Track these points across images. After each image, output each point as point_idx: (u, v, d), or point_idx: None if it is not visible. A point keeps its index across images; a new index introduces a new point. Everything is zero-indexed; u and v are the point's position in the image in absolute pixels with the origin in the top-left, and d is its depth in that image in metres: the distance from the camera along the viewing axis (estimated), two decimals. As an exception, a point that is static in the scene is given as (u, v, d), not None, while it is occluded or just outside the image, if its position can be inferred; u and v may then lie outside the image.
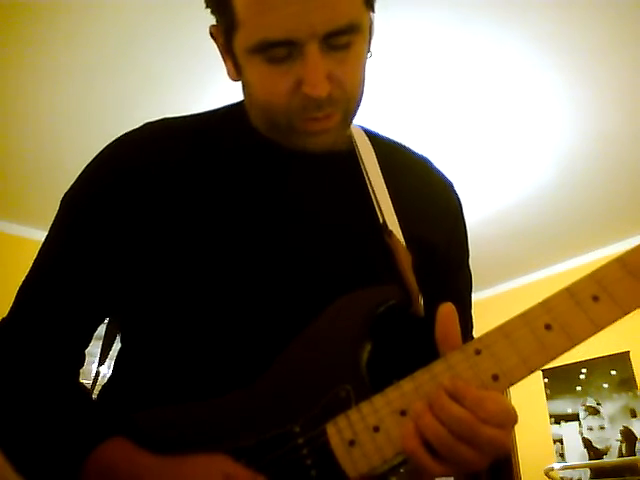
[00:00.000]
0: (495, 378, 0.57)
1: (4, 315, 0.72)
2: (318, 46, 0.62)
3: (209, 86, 2.56)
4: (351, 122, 0.75)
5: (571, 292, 0.58)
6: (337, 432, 0.59)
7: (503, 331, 0.59)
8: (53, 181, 3.22)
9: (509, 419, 0.56)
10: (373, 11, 0.69)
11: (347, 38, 0.64)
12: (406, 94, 2.76)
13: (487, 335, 0.59)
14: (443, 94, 2.77)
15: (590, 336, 0.56)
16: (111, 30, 2.35)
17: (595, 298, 0.57)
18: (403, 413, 0.58)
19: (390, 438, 0.58)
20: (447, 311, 0.60)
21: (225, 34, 0.68)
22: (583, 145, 3.15)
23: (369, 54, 0.73)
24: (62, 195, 0.76)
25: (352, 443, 0.58)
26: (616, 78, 2.67)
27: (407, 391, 0.59)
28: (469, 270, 0.88)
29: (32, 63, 2.51)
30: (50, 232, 0.74)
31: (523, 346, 0.57)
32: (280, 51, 0.63)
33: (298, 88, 0.64)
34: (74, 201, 0.74)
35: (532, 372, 0.57)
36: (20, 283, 0.73)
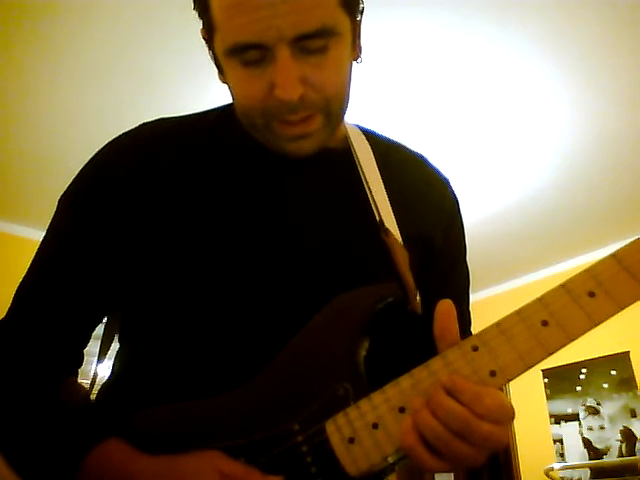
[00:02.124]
0: (493, 374, 0.57)
1: (3, 314, 0.72)
2: (289, 50, 0.63)
3: (208, 86, 2.56)
4: (337, 125, 0.73)
5: (567, 288, 0.58)
6: (336, 430, 0.59)
7: (500, 327, 0.59)
8: (53, 181, 3.21)
9: (506, 415, 0.57)
10: (356, 15, 0.69)
11: (322, 42, 0.64)
12: (406, 94, 2.76)
13: (484, 332, 0.59)
14: (443, 94, 2.77)
15: (586, 331, 0.56)
16: (111, 30, 2.35)
17: (591, 294, 0.57)
18: (402, 410, 0.58)
19: (389, 434, 0.58)
20: (445, 308, 0.60)
21: (208, 37, 0.69)
22: (583, 145, 3.15)
23: (358, 58, 0.73)
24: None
25: (352, 440, 0.59)
26: (616, 79, 2.67)
27: (405, 388, 0.59)
28: (466, 267, 0.88)
29: (32, 63, 2.51)
30: (47, 232, 0.75)
31: (520, 342, 0.58)
32: (253, 54, 0.64)
33: (272, 91, 0.65)
34: (71, 201, 0.75)
35: (529, 368, 0.57)
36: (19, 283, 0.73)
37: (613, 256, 0.58)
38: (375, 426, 0.58)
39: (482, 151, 3.20)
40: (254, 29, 0.62)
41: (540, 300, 0.59)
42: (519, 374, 0.57)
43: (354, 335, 0.64)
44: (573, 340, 0.56)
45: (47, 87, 2.67)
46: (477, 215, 3.75)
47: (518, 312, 0.59)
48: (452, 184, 0.88)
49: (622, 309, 0.56)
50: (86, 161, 0.77)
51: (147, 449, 0.60)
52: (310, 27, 0.62)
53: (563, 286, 0.59)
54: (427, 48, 2.48)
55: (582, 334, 0.56)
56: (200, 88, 2.61)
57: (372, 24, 2.30)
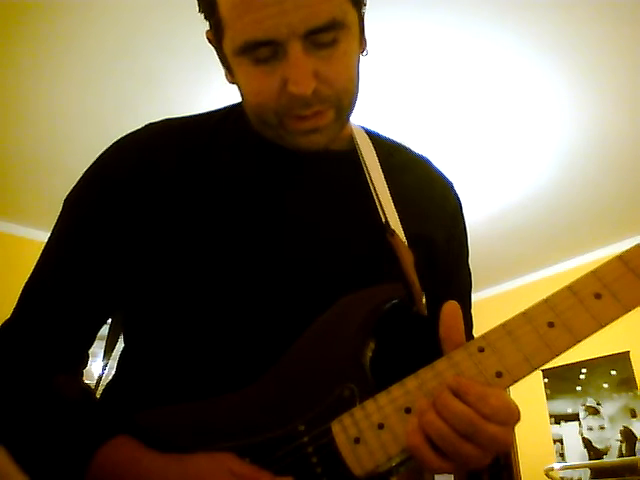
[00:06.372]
0: (499, 375, 0.58)
1: (3, 314, 0.72)
2: (301, 44, 0.63)
3: (210, 86, 2.56)
4: (347, 120, 0.74)
5: (573, 290, 0.58)
6: (342, 430, 0.59)
7: (506, 329, 0.59)
8: (53, 181, 3.22)
9: (511, 416, 0.57)
10: (361, 7, 0.69)
11: (332, 35, 0.64)
12: (406, 95, 2.77)
13: (490, 333, 0.60)
14: (444, 94, 2.77)
15: (592, 333, 0.57)
16: (111, 30, 2.35)
17: (597, 295, 0.57)
18: (407, 410, 0.58)
19: (395, 435, 0.58)
20: (451, 309, 0.60)
21: (215, 38, 0.70)
22: (583, 145, 3.15)
23: (364, 51, 0.73)
24: (62, 195, 0.76)
25: (357, 441, 0.59)
26: (616, 78, 2.67)
27: (411, 389, 0.59)
28: (469, 269, 0.88)
29: (32, 63, 2.51)
30: (52, 233, 0.75)
31: (526, 343, 0.58)
32: (264, 51, 0.64)
33: (284, 87, 0.65)
34: (77, 202, 0.75)
35: (535, 369, 0.57)
36: (20, 283, 0.73)
37: (619, 258, 0.58)
38: (381, 426, 0.59)
39: (483, 151, 3.20)
40: (264, 26, 0.62)
41: (546, 301, 0.59)
42: (525, 375, 0.57)
43: (360, 336, 0.64)
44: (579, 342, 0.56)
45: (47, 87, 2.67)
46: (477, 215, 3.75)
47: (524, 313, 0.59)
48: (455, 186, 0.88)
49: (628, 311, 0.56)
50: (86, 161, 0.77)
51: (153, 448, 0.60)
52: (321, 21, 0.62)
53: (569, 288, 0.59)
54: (427, 48, 2.48)
55: (588, 336, 0.56)
56: (201, 88, 2.61)
57: (371, 24, 2.30)
